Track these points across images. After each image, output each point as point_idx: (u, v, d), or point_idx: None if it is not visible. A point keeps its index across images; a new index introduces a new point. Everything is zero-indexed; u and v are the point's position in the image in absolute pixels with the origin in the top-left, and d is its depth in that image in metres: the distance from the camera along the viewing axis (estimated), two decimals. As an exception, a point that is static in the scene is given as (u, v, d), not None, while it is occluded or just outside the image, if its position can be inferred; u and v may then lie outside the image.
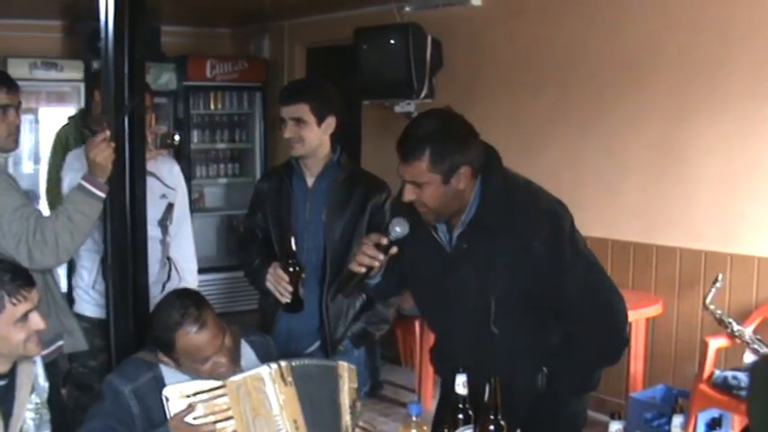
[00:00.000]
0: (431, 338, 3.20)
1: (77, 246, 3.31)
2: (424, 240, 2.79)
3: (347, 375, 2.81)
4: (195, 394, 2.60)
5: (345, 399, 2.78)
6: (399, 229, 2.69)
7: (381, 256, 2.69)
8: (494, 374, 2.43)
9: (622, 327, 2.78)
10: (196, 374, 2.64)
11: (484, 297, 2.69)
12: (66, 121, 5.39)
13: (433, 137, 2.60)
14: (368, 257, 2.69)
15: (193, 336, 2.60)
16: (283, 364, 2.74)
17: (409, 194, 2.66)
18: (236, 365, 2.71)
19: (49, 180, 5.29)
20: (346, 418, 2.76)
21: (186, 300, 2.67)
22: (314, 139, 3.53)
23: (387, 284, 2.91)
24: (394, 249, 2.71)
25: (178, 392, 2.59)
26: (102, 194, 3.20)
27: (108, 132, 3.17)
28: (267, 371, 2.71)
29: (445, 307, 2.86)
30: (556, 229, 2.66)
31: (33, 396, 2.67)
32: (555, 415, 2.78)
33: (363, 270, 2.71)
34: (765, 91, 4.79)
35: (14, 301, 2.48)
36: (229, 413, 2.61)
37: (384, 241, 2.69)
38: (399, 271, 2.85)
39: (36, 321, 2.53)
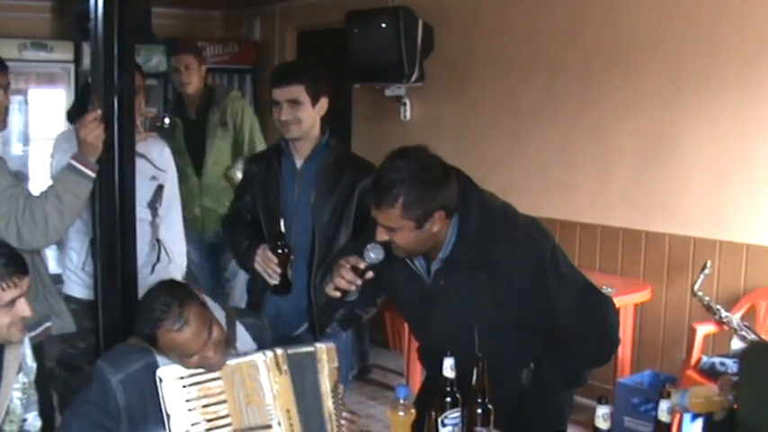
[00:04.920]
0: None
1: (67, 226, 3.29)
2: (402, 268, 2.75)
3: (326, 357, 2.73)
4: (190, 376, 2.56)
5: (326, 383, 2.71)
6: (374, 254, 2.65)
7: (359, 281, 2.65)
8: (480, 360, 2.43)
9: (614, 333, 2.76)
10: (185, 366, 2.56)
11: (467, 328, 2.64)
12: None
13: (405, 183, 2.49)
14: (345, 282, 2.65)
15: (174, 334, 2.48)
16: (279, 351, 2.67)
17: (382, 235, 2.59)
18: (227, 354, 2.62)
19: None
20: (328, 403, 2.70)
21: (170, 296, 2.53)
22: (309, 120, 3.54)
23: (364, 299, 2.85)
24: (370, 274, 2.67)
25: (172, 374, 2.55)
26: (93, 174, 3.18)
27: (99, 112, 3.16)
28: (262, 358, 2.65)
29: (428, 331, 2.84)
30: (536, 259, 2.60)
31: (21, 376, 2.67)
32: (541, 406, 2.78)
33: (338, 295, 2.68)
34: (756, 79, 4.79)
35: (4, 286, 2.46)
36: (223, 397, 2.59)
37: (362, 265, 2.65)
38: (375, 286, 2.78)
39: (22, 308, 2.51)
